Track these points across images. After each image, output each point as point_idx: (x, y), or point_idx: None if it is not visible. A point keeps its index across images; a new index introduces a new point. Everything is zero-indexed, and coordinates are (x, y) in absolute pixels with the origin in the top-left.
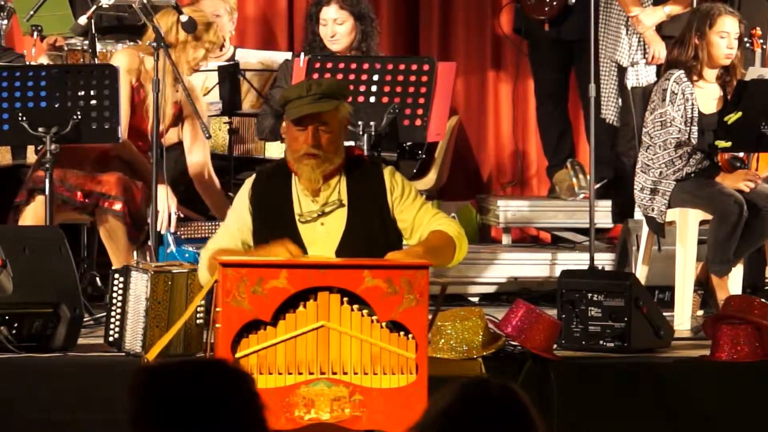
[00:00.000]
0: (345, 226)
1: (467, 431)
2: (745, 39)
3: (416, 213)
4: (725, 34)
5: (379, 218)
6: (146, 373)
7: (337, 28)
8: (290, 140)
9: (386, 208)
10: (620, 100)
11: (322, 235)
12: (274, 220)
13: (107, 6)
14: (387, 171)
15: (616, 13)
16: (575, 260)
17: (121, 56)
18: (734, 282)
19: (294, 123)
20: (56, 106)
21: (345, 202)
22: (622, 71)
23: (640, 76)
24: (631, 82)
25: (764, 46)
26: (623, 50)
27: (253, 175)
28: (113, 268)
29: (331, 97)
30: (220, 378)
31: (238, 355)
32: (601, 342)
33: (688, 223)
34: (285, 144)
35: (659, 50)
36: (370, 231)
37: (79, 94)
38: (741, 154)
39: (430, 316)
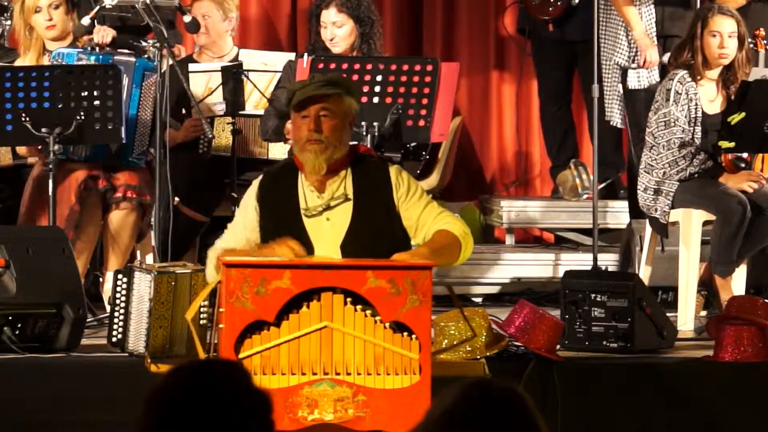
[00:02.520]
0: (350, 221)
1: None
2: (749, 39)
3: (421, 212)
4: (717, 34)
5: (385, 214)
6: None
7: (336, 31)
8: (294, 131)
9: (392, 205)
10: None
11: (328, 229)
12: (281, 215)
13: (110, 6)
14: (393, 169)
15: (615, 14)
16: (578, 261)
17: None
18: (738, 282)
19: (297, 110)
20: (59, 106)
21: (351, 196)
22: (624, 72)
23: (641, 77)
24: (632, 83)
25: None
26: (622, 51)
27: (261, 175)
28: (110, 269)
29: (335, 85)
30: (228, 379)
31: (241, 355)
32: (604, 342)
33: (691, 224)
34: (291, 141)
35: (651, 54)
36: (376, 226)
37: (83, 94)
38: (745, 155)
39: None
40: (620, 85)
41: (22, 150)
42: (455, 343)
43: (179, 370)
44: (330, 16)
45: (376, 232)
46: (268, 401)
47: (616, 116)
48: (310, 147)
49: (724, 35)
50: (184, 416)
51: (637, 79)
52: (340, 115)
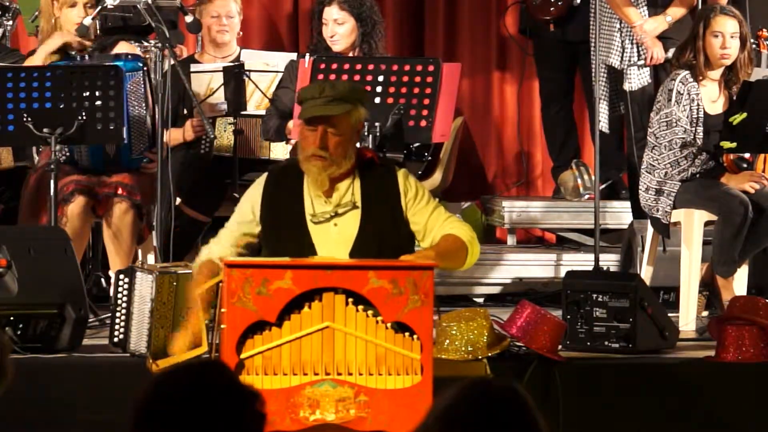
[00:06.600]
0: (358, 228)
1: (469, 431)
2: (751, 40)
3: (429, 216)
4: (719, 34)
5: (392, 220)
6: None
7: (337, 29)
8: (301, 139)
9: (399, 210)
10: (620, 104)
11: (335, 236)
12: (286, 220)
13: (112, 7)
14: (401, 173)
15: (608, 16)
16: (580, 261)
17: None
18: (739, 283)
19: (305, 123)
20: (61, 106)
21: (359, 203)
22: (613, 74)
23: (633, 79)
24: (625, 86)
25: None
26: (616, 53)
27: (265, 174)
28: (113, 270)
29: (344, 100)
30: (211, 378)
31: (243, 355)
32: (606, 343)
33: (693, 224)
34: (297, 142)
35: (657, 52)
36: (383, 233)
37: (84, 94)
38: (746, 155)
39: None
40: (608, 87)
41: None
42: (456, 343)
43: (163, 376)
44: (331, 13)
45: (383, 238)
46: (255, 394)
47: (602, 120)
48: (314, 162)
49: (726, 35)
50: (174, 421)
51: (629, 82)
52: (346, 131)
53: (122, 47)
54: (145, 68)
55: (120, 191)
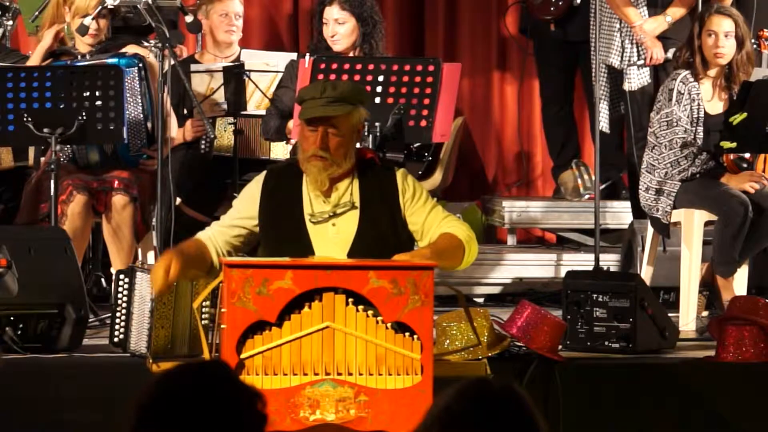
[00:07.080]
0: (357, 228)
1: (468, 431)
2: (752, 40)
3: (427, 216)
4: (712, 33)
5: (391, 220)
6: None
7: (337, 29)
8: (301, 139)
9: (398, 211)
10: (620, 104)
11: (334, 236)
12: (284, 220)
13: (112, 7)
14: (399, 173)
15: (608, 16)
16: (580, 261)
17: None
18: (739, 283)
19: (305, 123)
20: (61, 106)
21: (357, 204)
22: (613, 74)
23: (633, 79)
24: (625, 85)
25: None
26: (616, 53)
27: (264, 172)
28: (114, 268)
29: (345, 101)
30: (213, 378)
31: (243, 355)
32: (606, 343)
33: (693, 224)
34: (297, 142)
35: (657, 52)
36: (382, 233)
37: (85, 94)
38: (746, 155)
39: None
40: (608, 87)
41: None
42: (457, 343)
43: (164, 376)
44: (332, 13)
45: (382, 238)
46: (256, 395)
47: (602, 119)
48: (314, 162)
49: (720, 34)
50: (175, 421)
51: (629, 82)
52: (346, 131)
53: (132, 50)
54: (140, 65)
55: (117, 184)
